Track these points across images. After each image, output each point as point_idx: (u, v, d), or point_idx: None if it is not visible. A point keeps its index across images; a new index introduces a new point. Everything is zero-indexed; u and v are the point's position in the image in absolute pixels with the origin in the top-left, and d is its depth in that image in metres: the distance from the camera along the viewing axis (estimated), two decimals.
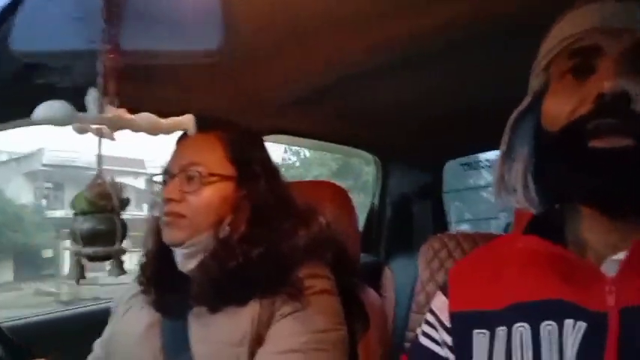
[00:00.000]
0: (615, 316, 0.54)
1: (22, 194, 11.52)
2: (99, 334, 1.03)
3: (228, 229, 0.93)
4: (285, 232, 0.93)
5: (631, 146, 0.52)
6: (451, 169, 2.20)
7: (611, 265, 0.56)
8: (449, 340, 0.68)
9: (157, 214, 0.99)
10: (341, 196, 1.25)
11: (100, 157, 0.56)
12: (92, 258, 0.53)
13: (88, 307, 1.33)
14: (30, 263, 10.77)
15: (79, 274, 0.55)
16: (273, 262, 0.89)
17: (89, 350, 1.03)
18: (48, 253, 10.63)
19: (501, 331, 0.61)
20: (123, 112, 0.53)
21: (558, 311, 0.57)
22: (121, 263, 0.54)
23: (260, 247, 0.90)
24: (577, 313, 0.56)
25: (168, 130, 0.57)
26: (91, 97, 0.53)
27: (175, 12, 0.52)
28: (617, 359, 0.52)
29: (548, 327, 0.57)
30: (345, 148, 1.88)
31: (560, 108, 0.58)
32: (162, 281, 0.97)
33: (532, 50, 0.66)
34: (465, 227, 8.13)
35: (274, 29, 0.95)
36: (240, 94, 1.19)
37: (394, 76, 1.28)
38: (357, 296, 1.06)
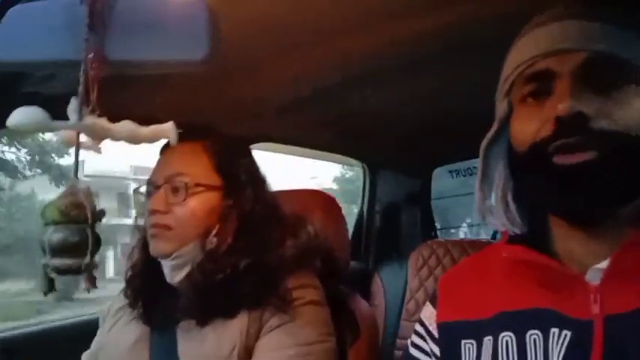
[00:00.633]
0: (600, 324, 0.55)
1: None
2: (86, 347, 1.01)
3: (215, 240, 0.92)
4: (273, 243, 0.93)
5: (591, 160, 0.54)
6: None
7: (595, 273, 0.57)
8: (437, 350, 0.68)
9: (142, 225, 0.98)
10: (330, 205, 1.24)
11: (76, 165, 0.54)
12: (61, 271, 0.51)
13: (75, 320, 1.31)
14: None
15: (48, 286, 0.53)
16: (261, 273, 0.89)
17: None
18: None
19: (488, 340, 0.62)
20: (101, 121, 0.52)
21: (544, 320, 0.58)
22: (92, 278, 0.52)
23: (247, 259, 0.89)
24: (562, 322, 0.57)
25: (148, 139, 0.56)
26: (72, 105, 0.52)
27: (161, 21, 0.51)
28: None
29: (533, 336, 0.58)
30: (335, 155, 1.88)
31: (524, 130, 0.60)
32: (149, 294, 0.96)
33: None
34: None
35: (260, 38, 0.95)
36: (225, 102, 1.19)
37: (381, 83, 1.28)
38: (346, 305, 1.06)
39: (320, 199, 1.24)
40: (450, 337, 0.66)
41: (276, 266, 0.90)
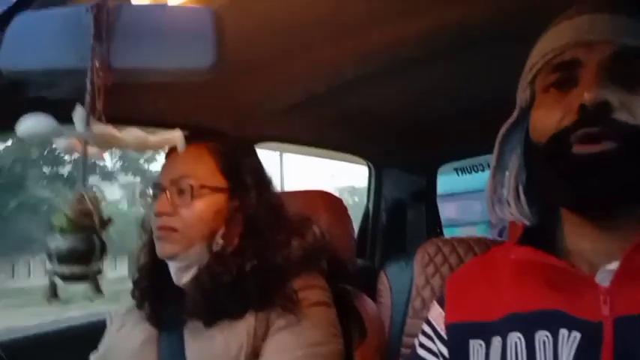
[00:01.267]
0: (610, 326, 0.54)
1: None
2: (93, 349, 1.01)
3: (222, 241, 0.92)
4: (279, 244, 0.93)
5: (612, 149, 0.54)
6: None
7: (605, 274, 0.56)
8: (445, 351, 0.68)
9: (149, 227, 0.98)
10: (336, 205, 1.24)
11: (84, 173, 0.55)
12: (67, 278, 0.51)
13: (82, 322, 1.32)
14: None
15: (51, 292, 0.53)
16: (268, 274, 0.89)
17: None
18: None
19: (497, 341, 0.61)
20: (109, 129, 0.52)
21: (553, 321, 0.58)
22: (97, 285, 0.53)
23: (254, 260, 0.89)
24: (572, 323, 0.56)
25: (156, 147, 0.56)
26: (78, 113, 0.52)
27: (166, 29, 0.51)
28: None
29: (543, 337, 0.57)
30: (340, 154, 1.88)
31: (546, 120, 0.60)
32: (156, 295, 0.96)
33: (523, 55, 0.67)
34: None
35: (265, 39, 0.95)
36: (230, 103, 1.19)
37: (385, 81, 1.28)
38: (353, 305, 1.06)
39: (326, 200, 1.24)
40: (458, 338, 0.66)
41: (282, 267, 0.90)
